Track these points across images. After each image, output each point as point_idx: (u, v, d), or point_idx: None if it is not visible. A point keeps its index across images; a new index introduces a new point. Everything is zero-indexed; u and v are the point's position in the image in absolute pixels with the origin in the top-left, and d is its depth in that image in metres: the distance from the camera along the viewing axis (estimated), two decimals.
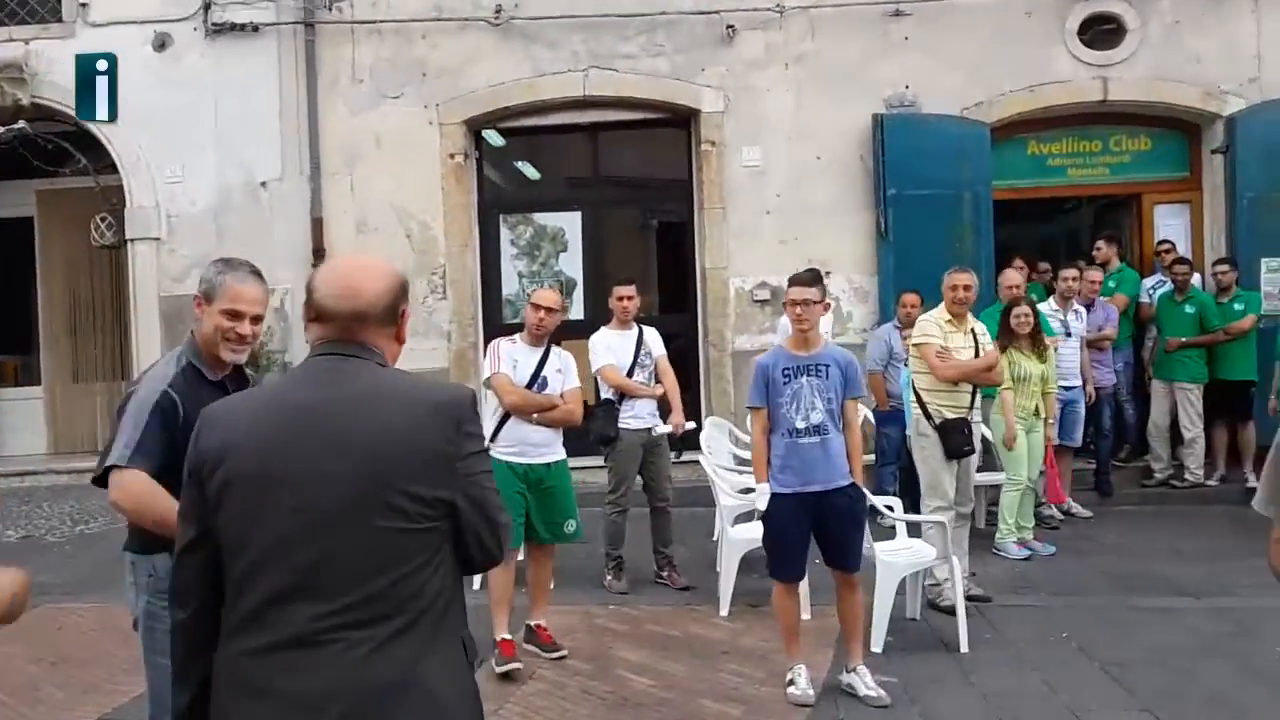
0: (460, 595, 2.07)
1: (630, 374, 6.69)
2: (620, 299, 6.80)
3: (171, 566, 2.12)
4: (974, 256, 9.33)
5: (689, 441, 7.19)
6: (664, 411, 6.90)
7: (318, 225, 9.78)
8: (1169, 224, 10.00)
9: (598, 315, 10.19)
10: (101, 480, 2.96)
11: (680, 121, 10.06)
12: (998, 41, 9.58)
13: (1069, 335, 8.36)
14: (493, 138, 10.34)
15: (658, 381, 6.83)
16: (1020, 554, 7.26)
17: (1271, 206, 9.29)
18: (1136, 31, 9.55)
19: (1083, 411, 8.49)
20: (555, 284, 10.31)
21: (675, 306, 10.41)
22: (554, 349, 5.70)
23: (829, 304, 5.11)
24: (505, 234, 10.39)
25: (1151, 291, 9.45)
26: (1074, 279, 8.50)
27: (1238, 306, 8.97)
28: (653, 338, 6.88)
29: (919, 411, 6.17)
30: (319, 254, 9.70)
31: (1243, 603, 6.06)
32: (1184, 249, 9.74)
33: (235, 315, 3.04)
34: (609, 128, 10.13)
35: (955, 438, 6.01)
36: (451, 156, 9.84)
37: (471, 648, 2.09)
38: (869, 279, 9.61)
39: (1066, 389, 8.11)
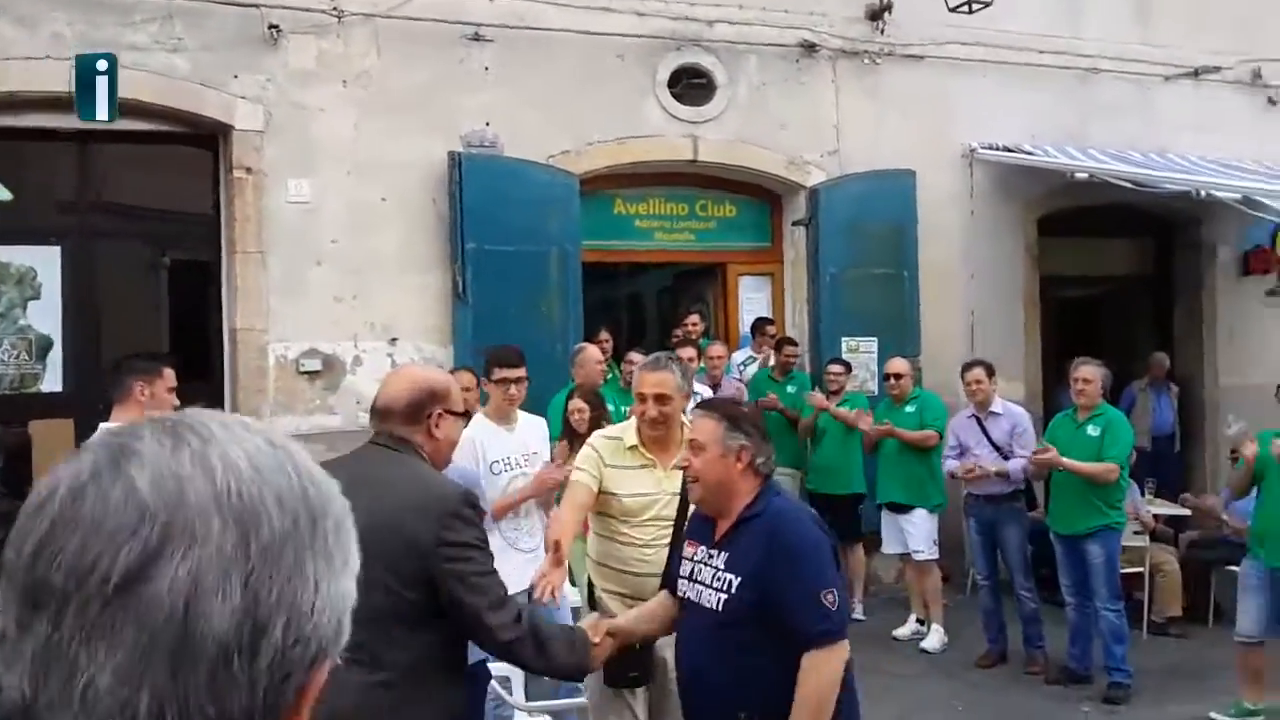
0: (453, 665, 2.61)
1: None
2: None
3: None
4: (562, 324, 8.25)
5: None
6: None
7: None
8: (753, 296, 9.50)
9: (80, 387, 7.74)
10: None
11: (205, 139, 7.88)
12: (587, 84, 8.52)
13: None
14: None
15: None
16: None
17: (852, 284, 9.01)
18: (725, 89, 8.94)
19: None
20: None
21: (194, 374, 8.10)
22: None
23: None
24: None
25: (742, 368, 8.84)
26: (689, 360, 7.69)
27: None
28: None
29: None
30: None
31: None
32: None
33: None
34: (105, 139, 7.67)
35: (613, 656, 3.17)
36: None
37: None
38: (443, 349, 8.05)
39: None
